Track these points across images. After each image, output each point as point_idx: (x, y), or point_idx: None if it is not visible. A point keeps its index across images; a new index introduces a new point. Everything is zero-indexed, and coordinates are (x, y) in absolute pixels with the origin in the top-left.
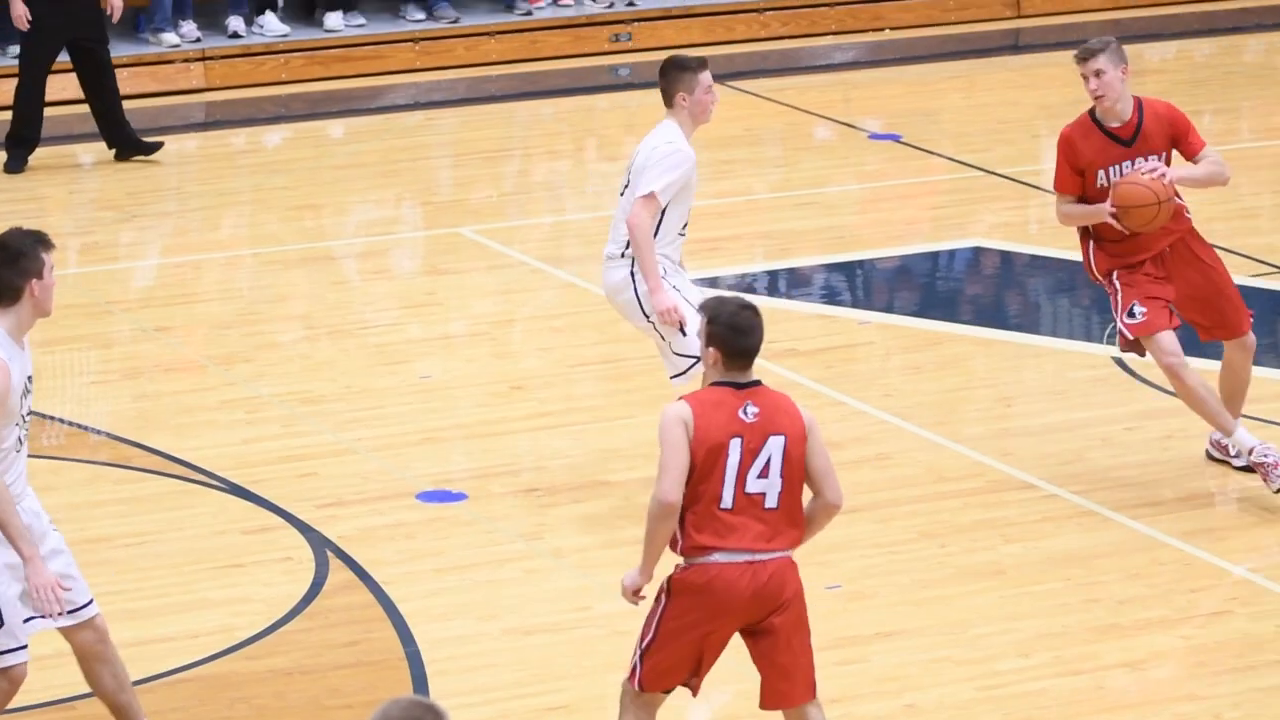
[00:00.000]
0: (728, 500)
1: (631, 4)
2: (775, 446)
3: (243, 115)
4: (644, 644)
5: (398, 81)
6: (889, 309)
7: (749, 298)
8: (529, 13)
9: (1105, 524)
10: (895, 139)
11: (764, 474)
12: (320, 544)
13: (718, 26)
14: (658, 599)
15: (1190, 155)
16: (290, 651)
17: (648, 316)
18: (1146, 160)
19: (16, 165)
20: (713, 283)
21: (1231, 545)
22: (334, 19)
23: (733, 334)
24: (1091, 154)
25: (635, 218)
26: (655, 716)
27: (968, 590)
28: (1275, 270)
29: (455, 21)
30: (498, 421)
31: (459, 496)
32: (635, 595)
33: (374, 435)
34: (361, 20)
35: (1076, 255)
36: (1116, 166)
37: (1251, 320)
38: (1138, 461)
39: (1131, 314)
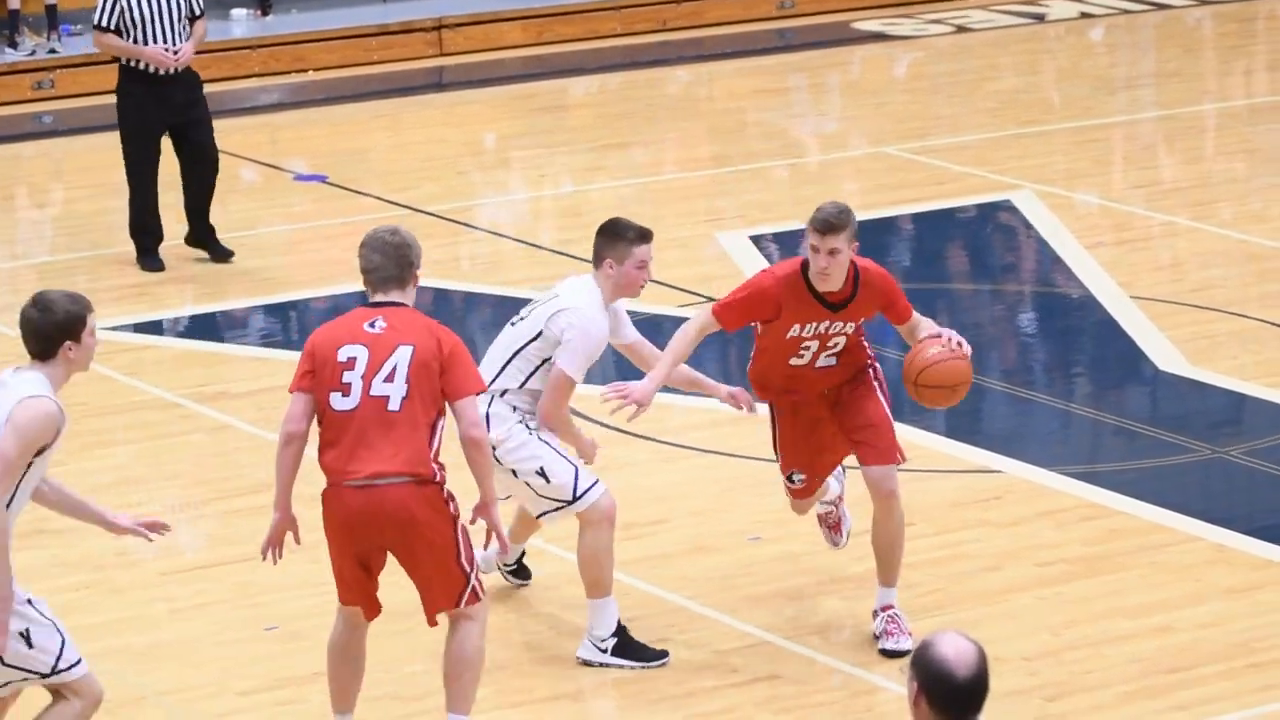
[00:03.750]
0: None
1: (54, 51)
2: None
3: None
4: None
5: None
6: None
7: None
8: None
9: (548, 554)
10: (322, 179)
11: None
12: None
13: None
14: None
15: (900, 322)
16: None
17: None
18: (845, 324)
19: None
20: (142, 327)
21: (668, 573)
22: None
23: None
24: (792, 312)
25: (550, 404)
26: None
27: (405, 627)
28: (703, 300)
29: None
30: None
31: None
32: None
33: None
34: None
35: (509, 291)
36: (814, 324)
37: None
38: None
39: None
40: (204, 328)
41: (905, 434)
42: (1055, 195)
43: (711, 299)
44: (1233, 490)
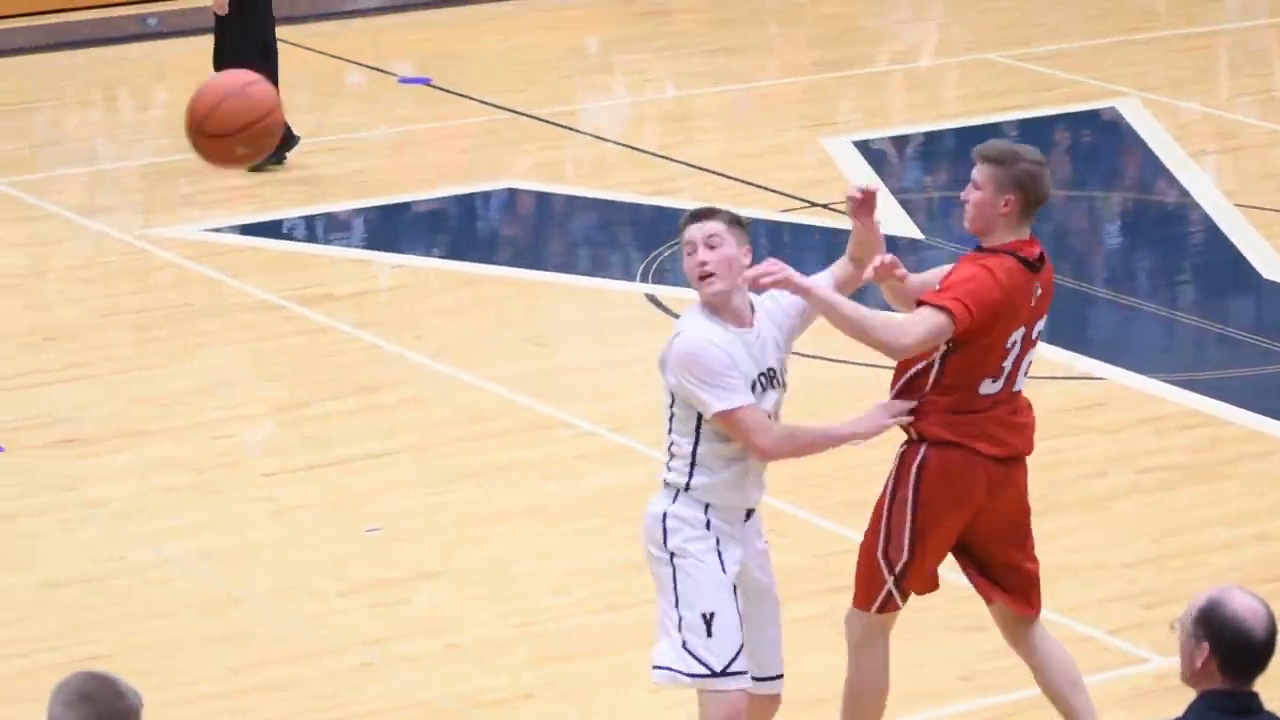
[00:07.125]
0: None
1: None
2: None
3: None
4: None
5: None
6: (422, 252)
7: None
8: None
9: (642, 460)
10: (426, 82)
11: None
12: None
13: None
14: None
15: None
16: None
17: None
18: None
19: None
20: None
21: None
22: None
23: None
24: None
25: (755, 445)
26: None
27: (507, 530)
28: (806, 205)
29: None
30: (31, 373)
31: None
32: None
33: None
34: None
35: (612, 195)
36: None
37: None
38: None
39: None
40: (306, 230)
41: None
42: (1159, 103)
43: (813, 204)
44: None
